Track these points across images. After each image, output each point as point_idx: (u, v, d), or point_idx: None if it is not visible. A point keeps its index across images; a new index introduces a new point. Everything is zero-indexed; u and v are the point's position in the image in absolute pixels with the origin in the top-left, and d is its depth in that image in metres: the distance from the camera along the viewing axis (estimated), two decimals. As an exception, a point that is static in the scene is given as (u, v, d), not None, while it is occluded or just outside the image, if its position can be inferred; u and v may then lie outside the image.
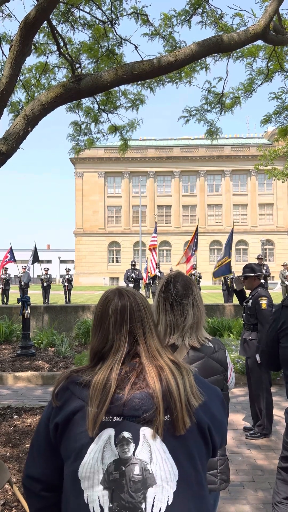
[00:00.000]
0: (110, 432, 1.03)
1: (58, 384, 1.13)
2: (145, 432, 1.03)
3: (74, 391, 1.09)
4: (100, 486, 1.00)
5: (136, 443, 1.02)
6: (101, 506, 0.99)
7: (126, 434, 1.03)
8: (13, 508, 2.92)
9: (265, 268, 16.31)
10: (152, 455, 1.02)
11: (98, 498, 0.99)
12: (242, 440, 4.38)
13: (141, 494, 0.99)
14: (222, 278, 19.27)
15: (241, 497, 3.24)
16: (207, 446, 1.11)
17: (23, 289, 19.52)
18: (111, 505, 0.99)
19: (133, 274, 16.89)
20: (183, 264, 15.06)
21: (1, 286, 21.07)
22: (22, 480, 1.18)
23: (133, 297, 1.18)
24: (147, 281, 20.71)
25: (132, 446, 1.02)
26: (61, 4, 6.19)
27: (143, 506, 0.99)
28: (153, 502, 1.00)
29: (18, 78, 6.27)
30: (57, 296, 24.75)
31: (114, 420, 1.04)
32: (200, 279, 19.89)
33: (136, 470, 1.01)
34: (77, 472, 1.02)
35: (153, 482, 1.00)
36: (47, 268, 21.54)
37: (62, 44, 6.41)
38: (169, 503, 1.00)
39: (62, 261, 61.58)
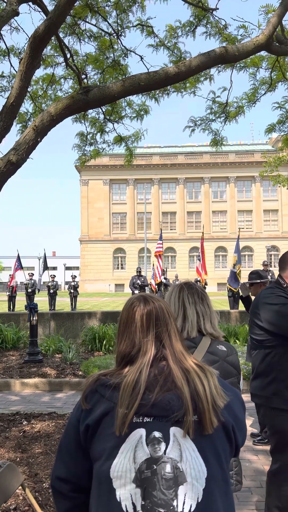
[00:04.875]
0: (141, 432, 1.07)
1: (87, 387, 1.17)
2: (175, 431, 1.07)
3: (103, 393, 1.13)
4: (133, 484, 1.03)
5: (167, 442, 1.06)
6: (133, 504, 1.02)
7: (157, 434, 1.07)
8: (24, 512, 2.96)
9: (270, 274, 16.29)
10: (182, 453, 1.06)
11: (131, 496, 1.03)
12: (249, 446, 4.40)
13: (172, 491, 1.03)
14: (228, 285, 19.28)
15: (250, 503, 3.26)
16: (231, 445, 1.15)
17: (30, 296, 19.64)
18: (143, 503, 1.02)
19: (139, 281, 16.94)
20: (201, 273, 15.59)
21: (7, 293, 21.18)
22: (50, 482, 1.22)
23: (157, 303, 1.23)
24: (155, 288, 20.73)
25: (163, 445, 1.06)
26: (68, 17, 6.34)
27: (175, 503, 1.02)
28: (184, 499, 1.03)
29: (27, 90, 6.41)
30: (63, 303, 24.83)
31: (145, 421, 1.08)
32: (205, 286, 19.89)
33: (168, 468, 1.04)
34: (109, 471, 1.06)
35: (184, 480, 1.04)
36: (54, 275, 21.63)
37: (68, 56, 6.55)
38: (199, 500, 1.04)
39: (67, 268, 61.83)
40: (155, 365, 1.14)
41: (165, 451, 1.06)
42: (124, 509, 1.03)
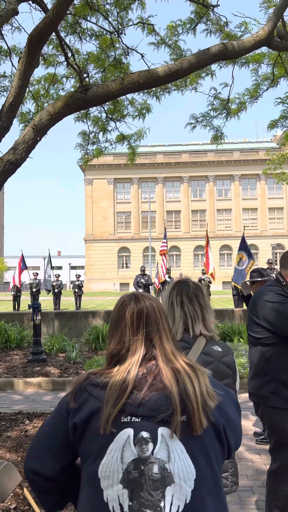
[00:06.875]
0: (129, 432, 1.06)
1: (77, 385, 1.16)
2: (163, 432, 1.06)
3: (92, 392, 1.12)
4: (120, 485, 1.02)
5: (155, 442, 1.05)
6: (120, 505, 1.01)
7: (145, 434, 1.05)
8: (24, 512, 2.96)
9: (275, 272, 16.22)
10: (170, 454, 1.04)
11: (118, 496, 1.02)
12: (252, 445, 4.37)
13: (160, 492, 1.01)
14: (233, 283, 19.21)
15: (251, 502, 3.23)
16: (222, 447, 1.13)
17: (34, 296, 19.70)
18: (130, 503, 1.01)
19: (142, 280, 16.92)
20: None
21: (12, 293, 21.27)
22: (24, 471, 1.18)
23: (149, 301, 1.21)
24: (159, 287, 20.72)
25: (150, 445, 1.05)
26: (68, 16, 6.33)
27: (162, 504, 1.01)
28: (172, 500, 1.02)
29: (28, 89, 6.41)
30: (67, 302, 24.89)
31: (132, 421, 1.06)
32: (210, 284, 19.83)
33: (155, 469, 1.03)
34: (97, 471, 1.04)
35: (171, 481, 1.03)
36: (58, 275, 21.68)
37: (70, 55, 6.53)
38: (187, 502, 1.02)
39: (72, 267, 61.92)
40: (144, 364, 1.13)
41: (152, 451, 1.04)
42: (111, 510, 1.02)
